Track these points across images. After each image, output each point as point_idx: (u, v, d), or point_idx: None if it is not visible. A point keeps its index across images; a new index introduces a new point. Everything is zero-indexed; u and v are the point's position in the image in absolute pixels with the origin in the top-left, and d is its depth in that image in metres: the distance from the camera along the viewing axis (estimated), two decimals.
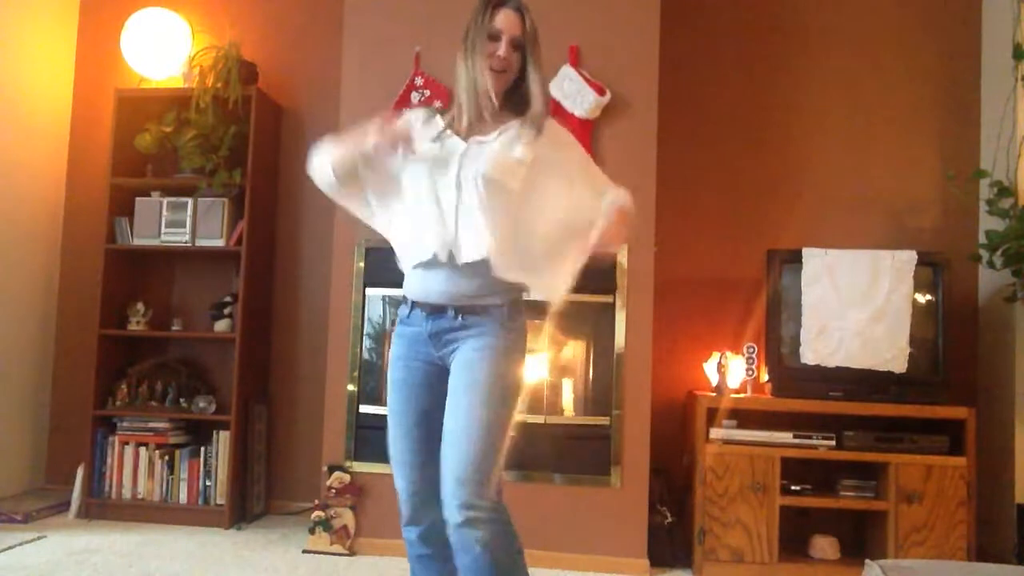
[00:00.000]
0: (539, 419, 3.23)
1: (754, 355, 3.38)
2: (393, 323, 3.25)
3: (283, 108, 4.04)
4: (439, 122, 1.97)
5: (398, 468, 1.98)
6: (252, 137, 3.71)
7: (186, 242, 3.74)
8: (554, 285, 1.98)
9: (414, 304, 1.95)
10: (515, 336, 1.94)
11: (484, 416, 1.82)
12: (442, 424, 1.87)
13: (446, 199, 1.90)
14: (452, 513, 1.77)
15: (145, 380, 3.80)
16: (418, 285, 1.94)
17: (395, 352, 2.00)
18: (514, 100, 1.97)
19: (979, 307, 3.59)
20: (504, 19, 1.92)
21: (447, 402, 1.89)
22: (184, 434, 3.75)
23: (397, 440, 1.98)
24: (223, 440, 3.61)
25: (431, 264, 1.90)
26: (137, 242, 3.78)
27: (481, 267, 1.88)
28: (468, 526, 1.76)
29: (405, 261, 1.98)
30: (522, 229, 1.92)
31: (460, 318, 1.90)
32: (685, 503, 3.32)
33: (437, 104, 3.17)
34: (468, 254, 1.87)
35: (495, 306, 1.91)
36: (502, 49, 1.90)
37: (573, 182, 1.97)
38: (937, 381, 3.20)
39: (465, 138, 1.93)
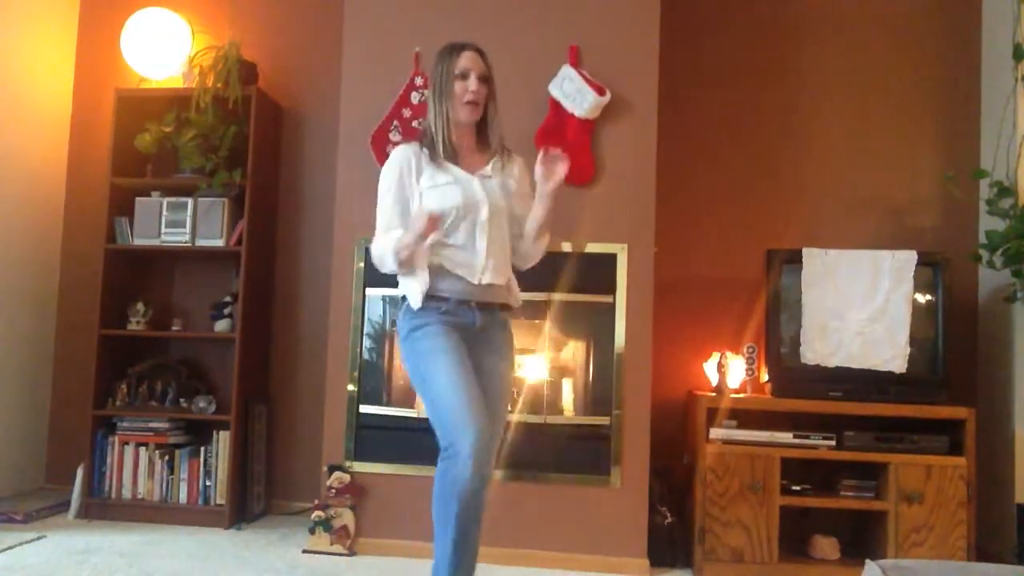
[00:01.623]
0: (539, 419, 3.23)
1: (754, 355, 3.38)
2: (394, 323, 3.25)
3: (283, 108, 4.04)
4: (427, 155, 2.25)
5: (469, 411, 2.09)
6: (252, 137, 3.71)
7: (186, 242, 3.74)
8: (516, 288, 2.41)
9: (459, 301, 2.23)
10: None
11: (505, 415, 2.39)
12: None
13: (480, 232, 2.23)
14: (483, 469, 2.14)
15: (145, 380, 3.80)
16: (461, 288, 2.23)
17: (438, 328, 2.20)
18: (480, 129, 2.30)
19: (979, 307, 3.59)
20: (469, 59, 2.21)
21: (485, 379, 2.24)
22: (184, 434, 3.75)
23: (461, 387, 2.13)
24: (223, 440, 3.61)
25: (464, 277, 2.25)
26: (137, 242, 3.77)
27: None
28: (488, 481, 2.16)
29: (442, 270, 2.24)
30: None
31: (496, 314, 2.32)
32: (685, 503, 3.32)
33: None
34: (496, 275, 2.26)
35: (506, 305, 2.36)
36: (473, 84, 2.20)
37: (518, 209, 2.34)
38: (937, 381, 3.19)
39: (469, 171, 2.25)
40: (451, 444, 2.10)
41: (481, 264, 2.22)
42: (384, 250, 2.19)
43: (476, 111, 2.22)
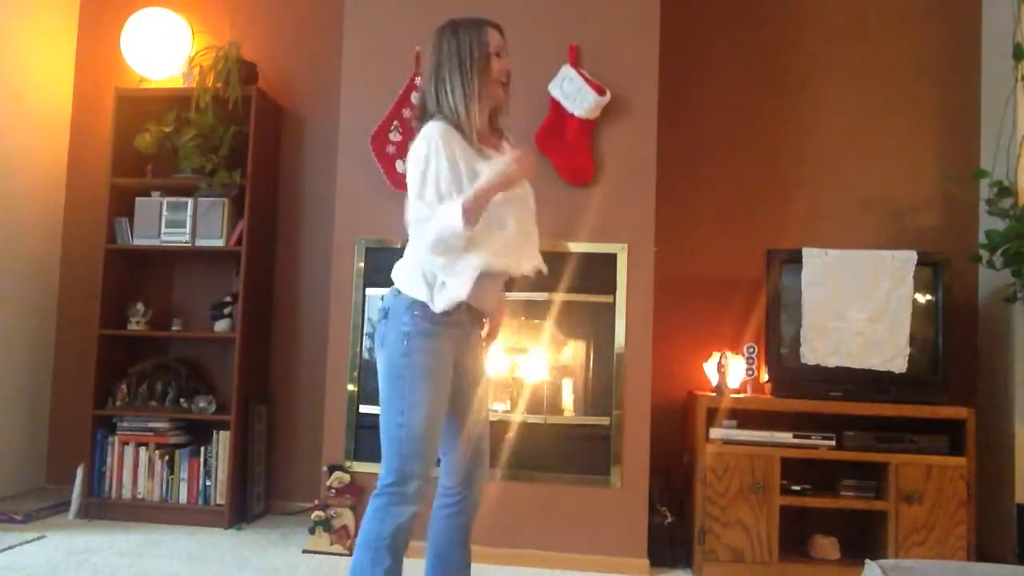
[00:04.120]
0: (539, 419, 3.23)
1: (754, 355, 3.37)
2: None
3: (283, 108, 4.04)
4: (463, 137, 2.02)
5: (431, 447, 2.02)
6: (252, 137, 3.71)
7: (186, 242, 3.74)
8: None
9: (477, 312, 2.11)
10: None
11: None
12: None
13: (531, 220, 2.12)
14: (477, 487, 2.17)
15: (145, 380, 3.80)
16: (480, 293, 2.01)
17: (442, 347, 2.03)
18: (492, 112, 2.12)
19: (979, 307, 3.59)
20: (499, 37, 2.06)
21: (473, 393, 2.16)
22: (184, 434, 3.75)
23: (436, 424, 2.03)
24: (223, 440, 3.61)
25: (499, 277, 2.08)
26: (137, 242, 3.77)
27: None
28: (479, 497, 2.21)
29: (483, 267, 2.00)
30: None
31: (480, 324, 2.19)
32: (685, 503, 3.32)
33: None
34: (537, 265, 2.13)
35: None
36: (507, 63, 2.05)
37: None
38: (937, 381, 3.20)
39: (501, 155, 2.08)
40: (406, 475, 1.98)
41: (534, 249, 2.10)
42: (478, 196, 1.89)
43: (506, 92, 2.05)
